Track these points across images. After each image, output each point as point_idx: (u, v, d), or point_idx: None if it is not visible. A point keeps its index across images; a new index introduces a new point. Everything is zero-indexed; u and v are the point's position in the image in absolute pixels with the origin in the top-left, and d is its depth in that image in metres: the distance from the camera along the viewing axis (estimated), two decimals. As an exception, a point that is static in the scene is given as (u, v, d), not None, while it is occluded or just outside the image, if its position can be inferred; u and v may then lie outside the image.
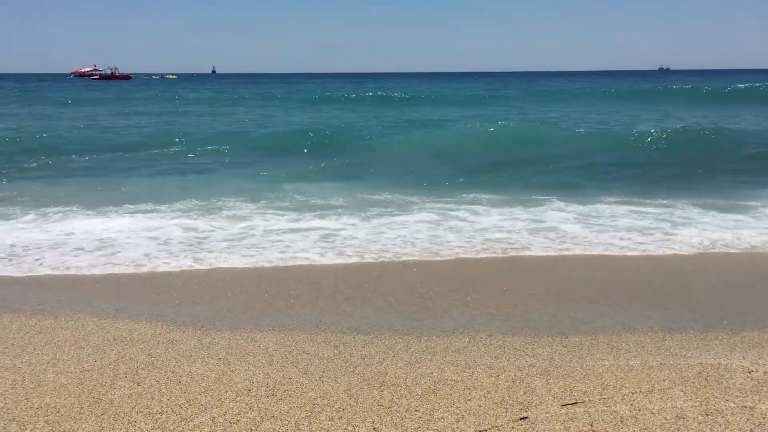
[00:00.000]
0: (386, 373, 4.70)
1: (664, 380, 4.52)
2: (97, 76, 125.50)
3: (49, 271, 7.81)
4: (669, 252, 8.66)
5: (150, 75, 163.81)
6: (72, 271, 7.82)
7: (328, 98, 48.91)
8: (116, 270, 7.88)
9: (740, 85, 47.36)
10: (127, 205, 11.77)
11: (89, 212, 11.21)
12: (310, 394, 4.33)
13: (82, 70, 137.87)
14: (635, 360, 4.95)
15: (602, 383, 4.48)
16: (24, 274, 7.70)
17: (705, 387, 4.39)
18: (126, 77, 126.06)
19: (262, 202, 12.07)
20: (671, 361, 4.90)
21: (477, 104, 42.33)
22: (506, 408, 4.11)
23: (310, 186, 14.19)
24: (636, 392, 4.32)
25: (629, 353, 5.12)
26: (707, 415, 3.97)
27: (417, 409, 4.10)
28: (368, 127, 26.49)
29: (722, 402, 4.15)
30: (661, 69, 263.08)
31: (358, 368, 4.80)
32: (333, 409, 4.11)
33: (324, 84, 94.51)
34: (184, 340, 5.46)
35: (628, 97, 45.50)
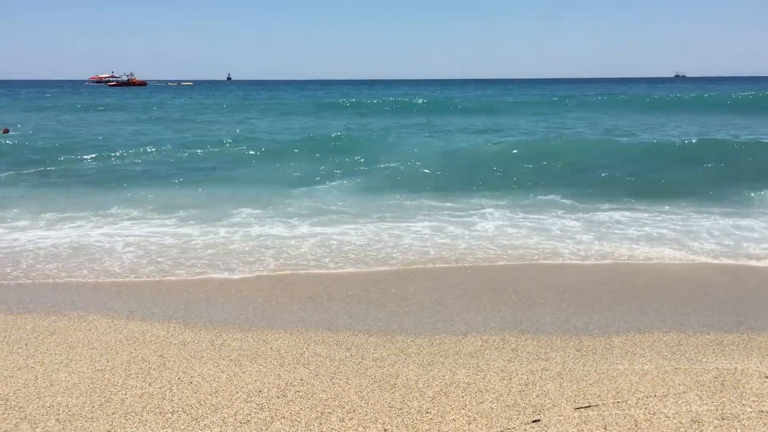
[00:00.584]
0: (398, 376, 4.67)
1: (679, 384, 4.46)
2: (114, 83, 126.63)
3: (60, 276, 7.85)
4: (683, 260, 8.57)
5: (166, 81, 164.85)
6: (80, 278, 7.85)
7: (342, 105, 48.79)
8: (129, 275, 7.91)
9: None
10: (136, 211, 11.83)
11: (99, 218, 11.28)
12: (320, 395, 4.31)
13: (99, 77, 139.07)
14: (650, 364, 4.89)
15: (616, 387, 4.43)
16: (36, 279, 7.74)
17: (721, 391, 4.33)
18: (142, 83, 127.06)
19: (271, 208, 12.08)
20: (687, 366, 4.84)
21: (494, 111, 42.16)
22: (519, 411, 4.07)
23: (324, 192, 14.20)
24: (651, 396, 4.27)
25: (644, 357, 5.06)
26: (723, 419, 3.91)
27: (428, 410, 4.07)
28: (383, 134, 26.49)
29: (738, 406, 4.08)
30: (677, 75, 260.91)
31: (369, 370, 4.78)
32: (344, 410, 4.09)
33: (337, 89, 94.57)
34: (196, 341, 5.46)
35: (646, 105, 45.09)
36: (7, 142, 23.22)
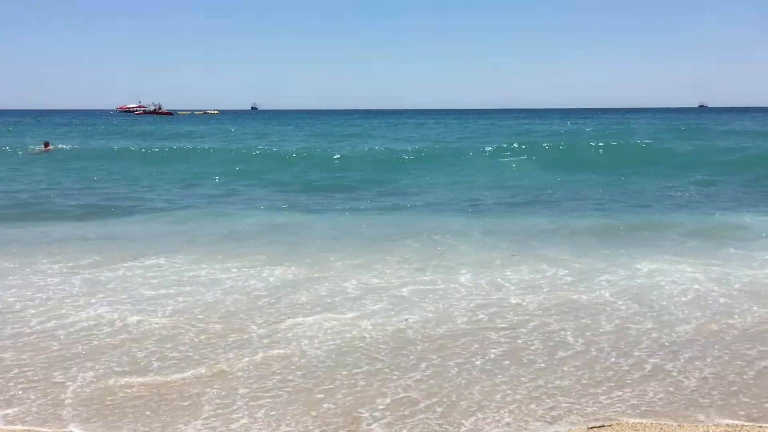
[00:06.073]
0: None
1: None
2: (141, 111, 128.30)
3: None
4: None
5: (192, 111, 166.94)
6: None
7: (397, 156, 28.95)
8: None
9: None
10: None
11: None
12: None
13: (127, 106, 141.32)
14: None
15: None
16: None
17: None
18: (169, 113, 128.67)
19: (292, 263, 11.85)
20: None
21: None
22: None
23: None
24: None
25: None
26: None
27: None
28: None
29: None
30: (701, 106, 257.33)
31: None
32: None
33: (380, 121, 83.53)
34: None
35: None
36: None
